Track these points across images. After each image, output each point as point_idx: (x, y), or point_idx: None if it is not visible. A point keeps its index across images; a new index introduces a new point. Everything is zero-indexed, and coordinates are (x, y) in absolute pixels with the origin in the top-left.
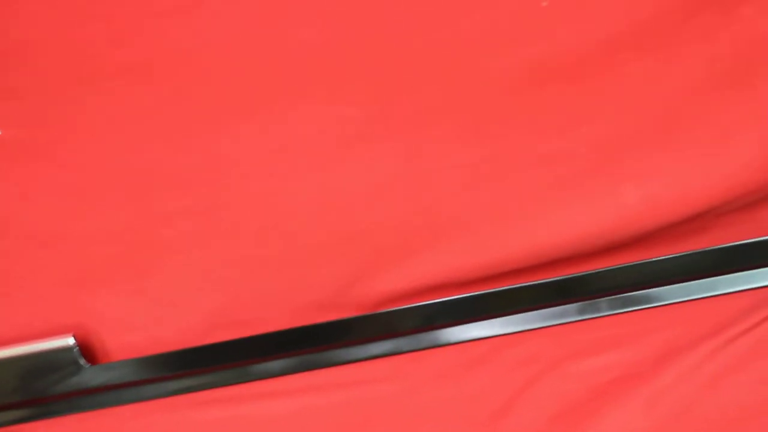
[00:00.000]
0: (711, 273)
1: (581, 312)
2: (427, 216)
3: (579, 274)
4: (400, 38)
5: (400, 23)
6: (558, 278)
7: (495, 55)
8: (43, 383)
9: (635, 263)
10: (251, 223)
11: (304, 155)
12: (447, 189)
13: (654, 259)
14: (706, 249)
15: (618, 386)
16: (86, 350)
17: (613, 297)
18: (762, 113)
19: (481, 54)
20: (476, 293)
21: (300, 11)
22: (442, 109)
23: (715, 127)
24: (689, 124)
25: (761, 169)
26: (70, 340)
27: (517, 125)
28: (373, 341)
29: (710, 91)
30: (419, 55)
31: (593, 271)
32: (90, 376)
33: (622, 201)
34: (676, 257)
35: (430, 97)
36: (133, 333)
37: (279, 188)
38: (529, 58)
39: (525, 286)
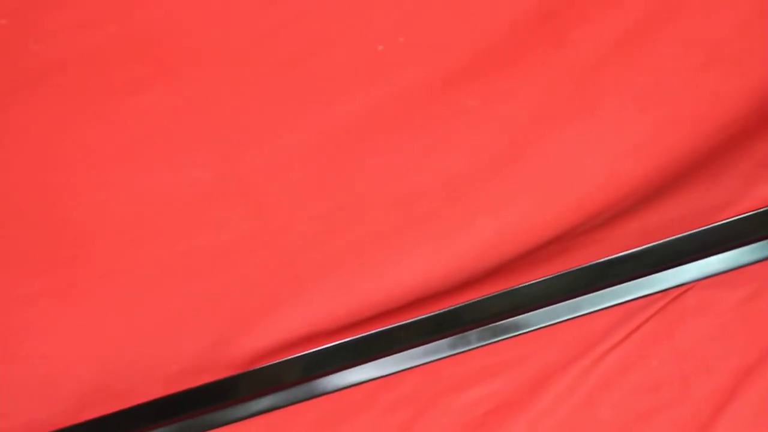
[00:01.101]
0: (574, 294)
1: (453, 346)
2: (287, 269)
3: (446, 309)
4: (241, 92)
5: (239, 78)
6: (426, 315)
7: (336, 101)
8: None
9: (500, 292)
10: (112, 296)
11: (158, 222)
12: (304, 240)
13: (518, 286)
14: (567, 270)
15: (497, 416)
16: None
17: (482, 328)
18: (604, 134)
19: (323, 102)
20: (347, 339)
21: (139, 76)
22: (288, 161)
23: (562, 152)
24: (536, 151)
25: (609, 188)
26: None
27: (365, 170)
28: (249, 399)
29: (552, 118)
30: (262, 108)
31: (460, 305)
32: None
33: (479, 233)
34: (538, 282)
35: (276, 151)
36: (4, 420)
37: (136, 258)
38: (371, 101)
39: (394, 327)
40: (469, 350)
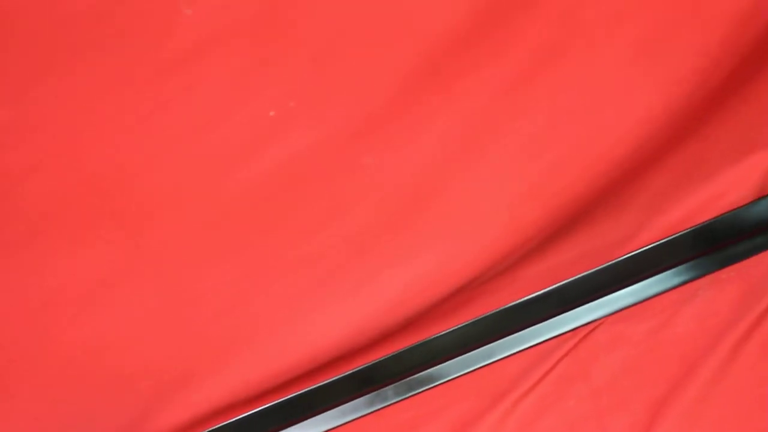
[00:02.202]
0: (487, 340)
1: (371, 403)
2: (201, 340)
3: (361, 367)
4: (139, 167)
5: (135, 152)
6: (342, 375)
7: (233, 169)
8: None
9: (412, 345)
10: (26, 381)
11: (66, 304)
12: (213, 311)
13: (430, 338)
14: (477, 318)
15: None
16: None
17: (398, 383)
18: (500, 180)
19: (219, 171)
20: (265, 406)
21: (39, 157)
22: (190, 232)
23: (460, 201)
24: (435, 202)
25: (511, 232)
26: None
27: (269, 234)
28: None
29: (447, 168)
30: (159, 181)
31: (374, 361)
32: None
33: (386, 288)
34: (450, 332)
35: (177, 223)
36: None
37: (47, 341)
38: (266, 166)
39: (310, 390)
40: (388, 406)
